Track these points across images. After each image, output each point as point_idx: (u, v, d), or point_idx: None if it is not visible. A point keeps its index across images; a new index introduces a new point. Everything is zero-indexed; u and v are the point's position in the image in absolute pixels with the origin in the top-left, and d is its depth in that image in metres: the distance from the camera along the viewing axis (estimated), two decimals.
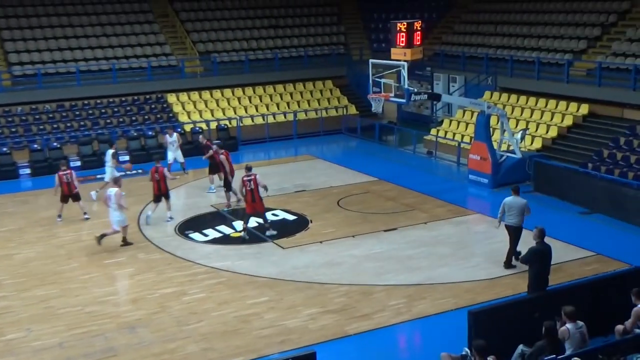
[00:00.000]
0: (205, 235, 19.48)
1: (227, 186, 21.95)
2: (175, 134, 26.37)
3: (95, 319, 14.55)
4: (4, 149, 27.22)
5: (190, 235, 19.54)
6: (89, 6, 35.07)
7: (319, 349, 11.28)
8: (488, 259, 17.30)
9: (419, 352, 13.64)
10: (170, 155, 26.10)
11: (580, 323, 11.28)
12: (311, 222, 20.27)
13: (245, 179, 18.97)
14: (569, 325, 11.16)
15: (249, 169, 19.32)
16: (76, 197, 21.14)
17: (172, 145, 26.09)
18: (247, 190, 18.94)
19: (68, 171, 21.12)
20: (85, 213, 21.17)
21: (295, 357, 10.85)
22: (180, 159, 26.30)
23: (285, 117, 32.65)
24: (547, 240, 13.83)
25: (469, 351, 11.08)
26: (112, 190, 18.49)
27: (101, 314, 14.79)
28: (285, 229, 19.88)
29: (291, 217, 20.87)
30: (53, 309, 15.08)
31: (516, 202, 16.51)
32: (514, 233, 16.63)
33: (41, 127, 29.52)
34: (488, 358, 10.32)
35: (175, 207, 21.78)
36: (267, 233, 19.18)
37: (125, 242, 18.72)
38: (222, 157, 22.18)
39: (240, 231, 19.39)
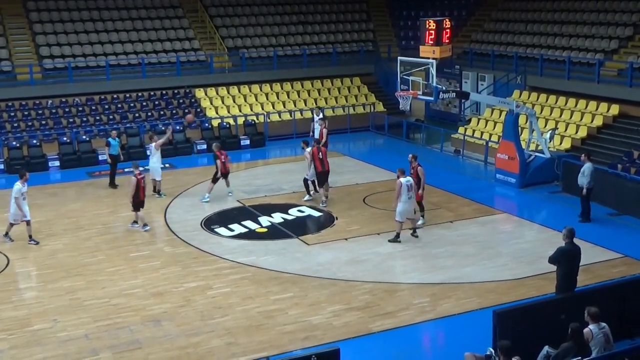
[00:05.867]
0: (231, 230, 19.54)
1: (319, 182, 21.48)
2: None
3: (120, 311, 14.67)
4: (34, 142, 27.49)
5: (216, 229, 19.61)
6: (120, 1, 35.36)
7: (342, 346, 11.30)
8: (514, 259, 17.17)
9: (443, 352, 13.58)
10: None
11: (603, 324, 11.15)
12: (336, 219, 20.25)
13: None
14: (591, 327, 11.05)
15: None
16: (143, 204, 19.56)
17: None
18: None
19: (144, 175, 19.77)
20: (145, 224, 19.52)
21: (319, 353, 10.84)
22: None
23: (312, 113, 32.64)
24: (574, 241, 13.67)
25: (493, 351, 11.02)
26: None
27: (127, 306, 14.91)
28: (310, 226, 19.92)
29: (316, 214, 20.86)
30: (79, 301, 15.22)
31: (592, 166, 19.64)
32: (592, 193, 19.59)
33: (71, 120, 29.79)
34: (513, 359, 10.26)
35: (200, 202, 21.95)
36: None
37: None
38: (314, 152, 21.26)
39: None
